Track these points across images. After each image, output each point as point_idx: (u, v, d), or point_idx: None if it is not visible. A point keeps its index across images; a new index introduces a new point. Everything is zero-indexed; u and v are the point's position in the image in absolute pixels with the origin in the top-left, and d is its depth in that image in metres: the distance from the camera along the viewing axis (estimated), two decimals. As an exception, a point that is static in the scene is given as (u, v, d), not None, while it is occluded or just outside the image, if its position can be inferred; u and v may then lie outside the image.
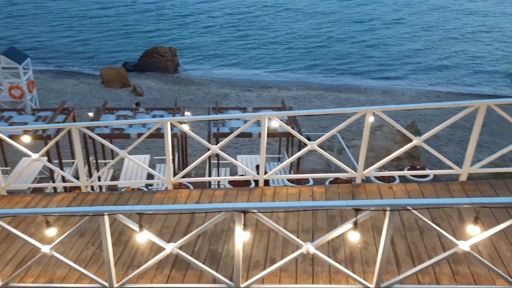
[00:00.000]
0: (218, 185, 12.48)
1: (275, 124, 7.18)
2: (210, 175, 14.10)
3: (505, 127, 21.50)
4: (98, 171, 13.54)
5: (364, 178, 8.00)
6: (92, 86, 24.61)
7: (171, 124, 7.09)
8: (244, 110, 15.35)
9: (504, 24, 42.99)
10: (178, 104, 22.12)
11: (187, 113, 15.43)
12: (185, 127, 7.34)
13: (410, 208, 4.62)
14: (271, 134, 14.07)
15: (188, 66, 30.45)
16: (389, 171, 11.92)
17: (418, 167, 11.21)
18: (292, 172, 14.77)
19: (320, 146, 21.68)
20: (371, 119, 6.85)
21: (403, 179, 9.11)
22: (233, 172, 15.35)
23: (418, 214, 4.67)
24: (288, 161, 7.66)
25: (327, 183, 9.26)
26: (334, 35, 37.43)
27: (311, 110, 7.50)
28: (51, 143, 7.81)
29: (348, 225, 4.74)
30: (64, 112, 14.33)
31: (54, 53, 31.59)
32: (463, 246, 4.74)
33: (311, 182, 9.49)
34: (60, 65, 29.33)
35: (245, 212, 4.64)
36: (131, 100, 22.70)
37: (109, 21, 39.76)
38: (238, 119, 12.71)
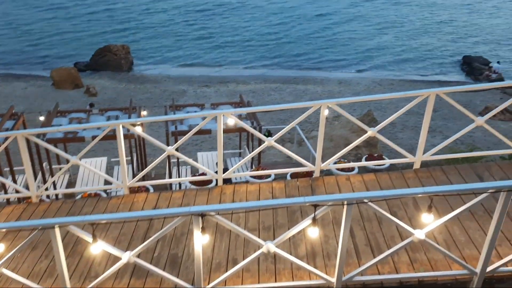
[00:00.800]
0: (180, 185, 12.29)
1: (231, 121, 7.10)
2: (170, 175, 13.87)
3: (456, 112, 22.26)
4: (52, 176, 13.05)
5: (325, 170, 8.09)
6: (43, 89, 23.64)
7: (125, 126, 6.86)
8: (201, 106, 15.13)
9: (452, 14, 44.51)
10: (134, 103, 21.55)
11: (143, 113, 15.08)
12: (139, 129, 7.13)
13: (366, 201, 4.66)
14: (231, 129, 14.00)
15: (143, 63, 29.78)
16: (348, 160, 12.13)
17: (376, 155, 11.43)
18: (254, 166, 14.77)
19: (280, 138, 21.80)
20: (326, 112, 6.88)
21: (362, 168, 9.24)
22: (195, 170, 15.18)
23: (375, 206, 4.73)
24: (246, 158, 7.59)
25: (288, 176, 9.27)
26: (291, 30, 37.59)
27: (267, 106, 7.47)
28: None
29: (307, 221, 4.74)
30: (12, 117, 13.66)
31: (0, 56, 30.10)
32: (419, 234, 4.84)
33: (273, 176, 9.48)
34: (7, 68, 27.96)
35: (202, 215, 4.55)
36: (85, 101, 21.98)
37: (59, 21, 38.23)
38: (174, 122, 12.50)
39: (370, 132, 7.00)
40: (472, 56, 30.47)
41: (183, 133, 12.02)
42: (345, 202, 4.64)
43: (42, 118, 14.16)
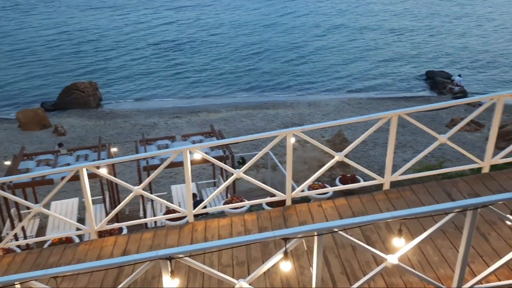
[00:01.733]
0: (155, 223, 12.06)
1: (198, 156, 7.03)
2: (145, 212, 13.62)
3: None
4: (21, 222, 12.62)
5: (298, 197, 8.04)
6: (9, 131, 23.06)
7: (89, 169, 6.69)
8: (172, 139, 15.04)
9: (414, 26, 46.04)
10: (104, 140, 21.34)
11: (113, 149, 14.87)
12: (103, 171, 6.97)
13: (336, 230, 4.64)
14: (204, 160, 13.92)
15: (112, 99, 29.50)
16: (322, 182, 12.14)
17: (349, 175, 11.50)
18: (229, 195, 14.64)
19: (254, 164, 21.71)
20: (292, 140, 6.90)
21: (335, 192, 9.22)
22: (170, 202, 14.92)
23: (345, 235, 4.71)
24: (216, 191, 7.49)
25: (264, 204, 9.18)
26: (256, 55, 38.09)
27: (232, 138, 7.47)
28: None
29: (279, 256, 4.67)
30: (-25, 164, 13.28)
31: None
32: (392, 259, 4.83)
33: (247, 206, 9.37)
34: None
35: (170, 258, 4.42)
36: (54, 141, 21.54)
37: (21, 59, 37.65)
38: (145, 158, 12.36)
39: (337, 157, 7.05)
40: (435, 70, 31.47)
41: (155, 167, 11.87)
42: (316, 233, 4.60)
43: (8, 163, 13.79)
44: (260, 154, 7.03)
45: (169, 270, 4.45)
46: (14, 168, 12.91)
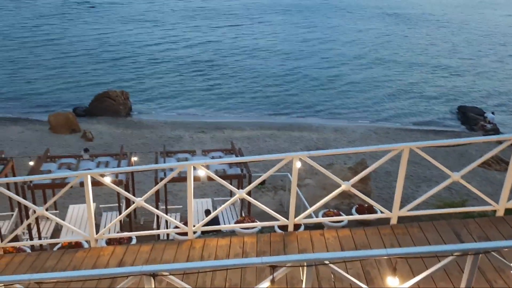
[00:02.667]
0: (167, 236, 12.11)
1: (202, 173, 7.03)
2: (158, 223, 13.71)
3: (450, 161, 22.24)
4: (38, 225, 12.90)
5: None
6: (40, 133, 23.82)
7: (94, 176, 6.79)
8: (193, 153, 15.17)
9: (449, 60, 45.43)
10: (129, 149, 21.73)
11: (134, 158, 15.13)
12: (107, 180, 7.05)
13: (327, 262, 4.51)
14: (221, 176, 13.91)
15: (141, 109, 30.14)
16: (338, 210, 11.88)
17: (366, 205, 11.25)
18: (243, 213, 14.56)
19: (272, 186, 21.35)
20: (298, 164, 6.81)
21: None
22: (184, 216, 15.05)
23: (337, 269, 4.57)
24: (218, 210, 7.45)
25: (276, 228, 9.02)
26: (287, 75, 38.31)
27: (240, 158, 7.44)
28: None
29: (266, 283, 4.57)
30: (1, 162, 13.71)
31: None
32: (385, 299, 4.65)
33: (258, 228, 9.24)
34: (5, 112, 28.34)
35: (154, 275, 4.39)
36: (81, 145, 22.06)
37: (58, 65, 39.12)
38: (163, 169, 12.43)
39: (344, 186, 6.91)
40: (467, 106, 30.76)
41: (177, 179, 11.96)
42: (305, 264, 4.49)
43: (32, 163, 14.18)
44: (264, 176, 6.98)
45: (152, 287, 4.42)
46: (36, 169, 13.28)
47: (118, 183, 12.57)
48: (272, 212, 7.30)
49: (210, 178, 10.42)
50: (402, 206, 7.33)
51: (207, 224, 11.61)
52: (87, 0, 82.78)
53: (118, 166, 13.72)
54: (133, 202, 6.78)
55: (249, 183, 12.71)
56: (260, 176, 19.77)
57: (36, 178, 9.58)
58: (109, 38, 50.41)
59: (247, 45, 49.01)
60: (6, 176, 13.08)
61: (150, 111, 29.87)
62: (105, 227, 11.44)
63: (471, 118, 28.63)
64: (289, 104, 31.89)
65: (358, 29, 61.74)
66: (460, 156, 22.69)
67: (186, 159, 14.46)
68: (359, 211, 10.37)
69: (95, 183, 7.53)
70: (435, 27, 66.52)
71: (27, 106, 29.65)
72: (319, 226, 9.06)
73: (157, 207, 14.37)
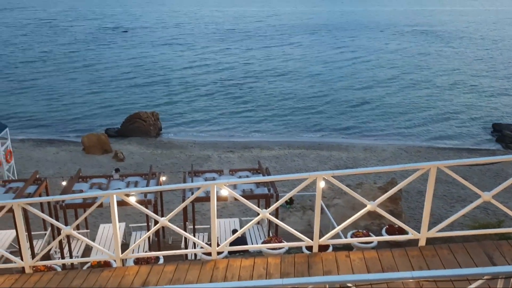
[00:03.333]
0: (195, 256, 12.14)
1: (225, 192, 7.04)
2: (186, 243, 13.76)
3: (487, 180, 21.50)
4: (69, 243, 13.19)
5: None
6: (73, 153, 24.54)
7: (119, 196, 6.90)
8: (220, 172, 15.27)
9: (482, 77, 44.42)
10: (159, 168, 22.09)
11: (162, 178, 15.34)
12: (132, 200, 7.15)
13: (350, 285, 4.41)
14: (248, 196, 13.93)
15: (171, 129, 30.69)
16: (367, 231, 11.60)
17: (397, 226, 10.96)
18: (271, 233, 14.45)
19: (302, 205, 21.12)
20: (322, 184, 6.72)
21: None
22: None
23: (360, 291, 4.45)
24: (242, 230, 7.41)
25: (304, 249, 8.86)
26: (316, 96, 38.29)
27: (264, 177, 7.41)
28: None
29: (288, 305, 4.49)
30: (36, 182, 14.13)
31: (36, 122, 31.80)
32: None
33: (286, 248, 9.12)
34: (42, 133, 29.42)
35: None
36: (112, 166, 22.58)
37: (93, 88, 40.48)
38: (191, 189, 12.47)
39: (369, 206, 6.77)
40: (502, 123, 29.83)
41: (200, 199, 12.04)
42: (327, 286, 4.40)
43: (64, 183, 14.59)
44: (286, 196, 6.92)
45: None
46: (68, 188, 13.64)
47: (146, 202, 12.76)
48: (296, 232, 7.21)
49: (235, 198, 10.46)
50: (434, 227, 7.10)
51: (233, 244, 11.60)
52: (120, 25, 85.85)
53: (147, 185, 13.93)
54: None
55: (276, 200, 12.64)
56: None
57: (64, 198, 9.83)
58: (141, 62, 51.94)
59: (276, 66, 49.47)
60: (40, 196, 13.50)
61: (180, 131, 30.36)
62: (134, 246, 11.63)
63: (506, 136, 27.72)
64: (318, 124, 31.78)
65: (389, 48, 61.42)
66: (495, 175, 21.93)
67: (214, 179, 14.55)
68: (389, 232, 10.08)
69: (123, 203, 7.66)
70: (468, 44, 65.43)
71: (62, 128, 30.70)
72: (348, 247, 8.88)
73: (184, 227, 14.47)
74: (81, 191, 13.54)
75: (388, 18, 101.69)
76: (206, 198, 10.61)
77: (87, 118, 32.54)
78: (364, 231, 10.36)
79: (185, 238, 13.85)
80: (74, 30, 78.15)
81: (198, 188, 12.59)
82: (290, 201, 19.48)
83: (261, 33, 77.42)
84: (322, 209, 16.56)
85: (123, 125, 28.90)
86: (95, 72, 46.28)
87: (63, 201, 12.41)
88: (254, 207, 7.39)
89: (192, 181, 14.16)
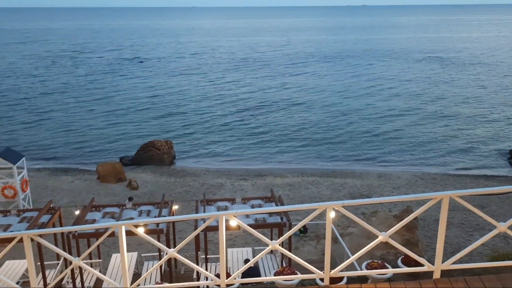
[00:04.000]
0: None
1: (234, 223, 6.96)
2: (198, 274, 13.60)
3: (506, 208, 20.97)
4: (81, 272, 13.16)
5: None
6: (88, 182, 24.77)
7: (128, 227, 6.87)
8: (232, 201, 15.22)
9: (496, 104, 43.98)
10: (173, 196, 22.12)
11: (175, 207, 15.33)
12: (141, 231, 7.10)
13: (360, 319, 4.27)
14: (261, 225, 13.81)
15: (185, 157, 30.86)
16: (382, 261, 11.30)
17: (413, 257, 10.69)
18: (284, 263, 14.23)
19: (316, 234, 20.82)
20: (332, 214, 6.61)
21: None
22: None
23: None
24: (252, 261, 7.29)
25: (318, 280, 8.64)
26: (329, 123, 38.29)
27: (274, 208, 7.34)
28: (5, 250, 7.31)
29: None
30: (50, 211, 14.25)
31: (53, 151, 32.30)
32: None
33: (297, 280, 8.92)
34: (58, 162, 29.83)
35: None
36: (126, 194, 22.71)
37: (108, 117, 41.16)
38: (203, 218, 12.39)
39: (381, 237, 6.61)
40: (520, 149, 29.37)
41: (211, 229, 11.96)
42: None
43: (77, 212, 14.68)
44: (296, 227, 6.80)
45: None
46: (81, 218, 13.70)
47: (158, 232, 12.73)
48: (307, 264, 7.05)
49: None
50: (452, 256, 6.89)
51: (246, 273, 11.39)
52: (137, 56, 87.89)
53: (159, 214, 13.94)
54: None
55: (289, 228, 12.47)
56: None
57: (76, 229, 9.83)
58: (157, 91, 52.86)
59: (290, 95, 49.83)
60: (53, 225, 13.59)
61: (193, 159, 30.51)
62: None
63: (524, 162, 27.21)
64: (332, 151, 31.65)
65: (403, 76, 61.58)
66: (514, 203, 21.40)
67: (226, 207, 14.52)
68: (405, 262, 9.80)
69: (133, 233, 7.63)
70: (483, 70, 65.24)
71: (78, 157, 31.13)
72: (362, 278, 8.65)
73: (196, 257, 14.35)
74: (94, 221, 13.59)
75: (404, 46, 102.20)
76: (217, 228, 10.52)
77: (102, 147, 32.97)
78: (380, 261, 10.13)
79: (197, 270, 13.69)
80: (92, 62, 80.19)
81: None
82: (304, 230, 19.29)
83: (276, 62, 78.40)
84: (336, 238, 16.33)
85: (137, 153, 29.19)
86: (111, 103, 47.19)
87: (75, 231, 12.46)
88: (263, 238, 7.27)
89: (204, 210, 14.11)
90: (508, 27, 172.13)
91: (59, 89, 54.66)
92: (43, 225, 13.28)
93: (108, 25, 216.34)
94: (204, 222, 12.89)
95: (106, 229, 12.75)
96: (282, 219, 13.53)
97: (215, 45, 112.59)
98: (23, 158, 20.22)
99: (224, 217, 6.73)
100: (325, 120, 39.26)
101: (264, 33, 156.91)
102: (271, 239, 16.90)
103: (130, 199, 21.14)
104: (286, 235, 6.95)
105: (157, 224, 12.85)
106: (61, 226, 14.37)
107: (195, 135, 35.70)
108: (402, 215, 19.05)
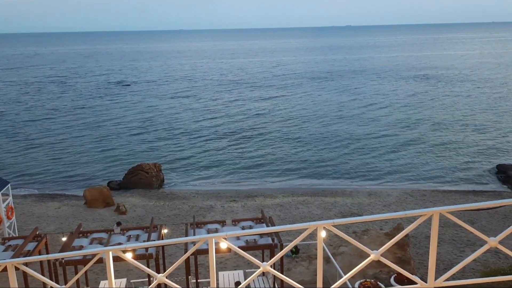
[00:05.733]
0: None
1: (224, 245, 6.83)
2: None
3: (496, 223, 21.03)
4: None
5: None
6: (75, 208, 24.35)
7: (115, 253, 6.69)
8: (222, 223, 15.09)
9: (483, 120, 44.63)
10: (162, 220, 21.84)
11: (164, 231, 15.12)
12: (129, 256, 6.93)
13: None
14: (252, 247, 13.68)
15: (174, 180, 30.59)
16: (376, 279, 11.24)
17: (406, 275, 10.61)
18: (276, 284, 14.04)
19: (307, 254, 20.65)
20: (323, 234, 6.51)
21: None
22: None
23: None
24: (243, 284, 7.13)
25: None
26: (318, 142, 38.43)
27: (263, 229, 7.25)
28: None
29: None
30: (36, 239, 13.95)
31: (40, 176, 31.81)
32: None
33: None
34: (44, 188, 29.36)
35: None
36: (114, 219, 22.34)
37: (94, 142, 40.82)
38: (193, 241, 12.24)
39: (373, 255, 6.52)
40: (506, 164, 29.64)
41: (202, 252, 11.79)
42: None
43: (64, 239, 14.38)
44: (289, 247, 6.67)
45: None
46: (68, 245, 13.43)
47: (148, 257, 12.51)
48: (298, 286, 6.89)
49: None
50: (443, 273, 6.84)
51: (236, 298, 11.16)
52: (125, 79, 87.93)
53: (148, 239, 13.74)
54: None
55: (280, 249, 12.35)
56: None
57: (61, 256, 9.61)
58: (146, 115, 52.74)
59: (279, 115, 50.12)
60: (39, 253, 13.28)
61: (182, 182, 30.24)
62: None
63: (511, 177, 27.45)
64: (322, 170, 31.66)
65: (394, 93, 62.44)
66: (504, 217, 21.48)
67: (216, 230, 14.39)
68: (397, 280, 9.77)
69: (121, 259, 7.44)
70: (471, 86, 66.42)
71: (64, 182, 30.68)
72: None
73: (187, 281, 14.08)
74: (81, 247, 13.33)
75: (392, 64, 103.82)
76: (207, 251, 10.36)
77: (90, 172, 32.58)
78: (373, 280, 10.05)
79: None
80: (80, 87, 79.93)
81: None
82: (295, 250, 19.14)
83: (266, 82, 78.95)
84: (328, 258, 16.17)
85: (125, 177, 28.84)
86: (99, 127, 46.88)
87: (62, 258, 12.19)
88: (254, 259, 7.13)
89: (194, 233, 13.95)
90: (490, 44, 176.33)
91: (46, 115, 54.26)
92: (29, 253, 12.98)
93: (96, 49, 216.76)
94: (194, 245, 12.75)
95: (94, 256, 12.51)
96: (273, 240, 13.44)
97: (205, 67, 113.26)
98: (9, 185, 19.87)
99: (214, 239, 6.58)
100: (315, 140, 39.41)
101: (254, 54, 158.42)
102: (263, 261, 16.78)
103: (118, 224, 20.77)
104: (277, 256, 6.81)
105: (146, 249, 12.64)
106: (47, 253, 14.07)
107: (184, 157, 35.53)
108: (393, 232, 19.00)
